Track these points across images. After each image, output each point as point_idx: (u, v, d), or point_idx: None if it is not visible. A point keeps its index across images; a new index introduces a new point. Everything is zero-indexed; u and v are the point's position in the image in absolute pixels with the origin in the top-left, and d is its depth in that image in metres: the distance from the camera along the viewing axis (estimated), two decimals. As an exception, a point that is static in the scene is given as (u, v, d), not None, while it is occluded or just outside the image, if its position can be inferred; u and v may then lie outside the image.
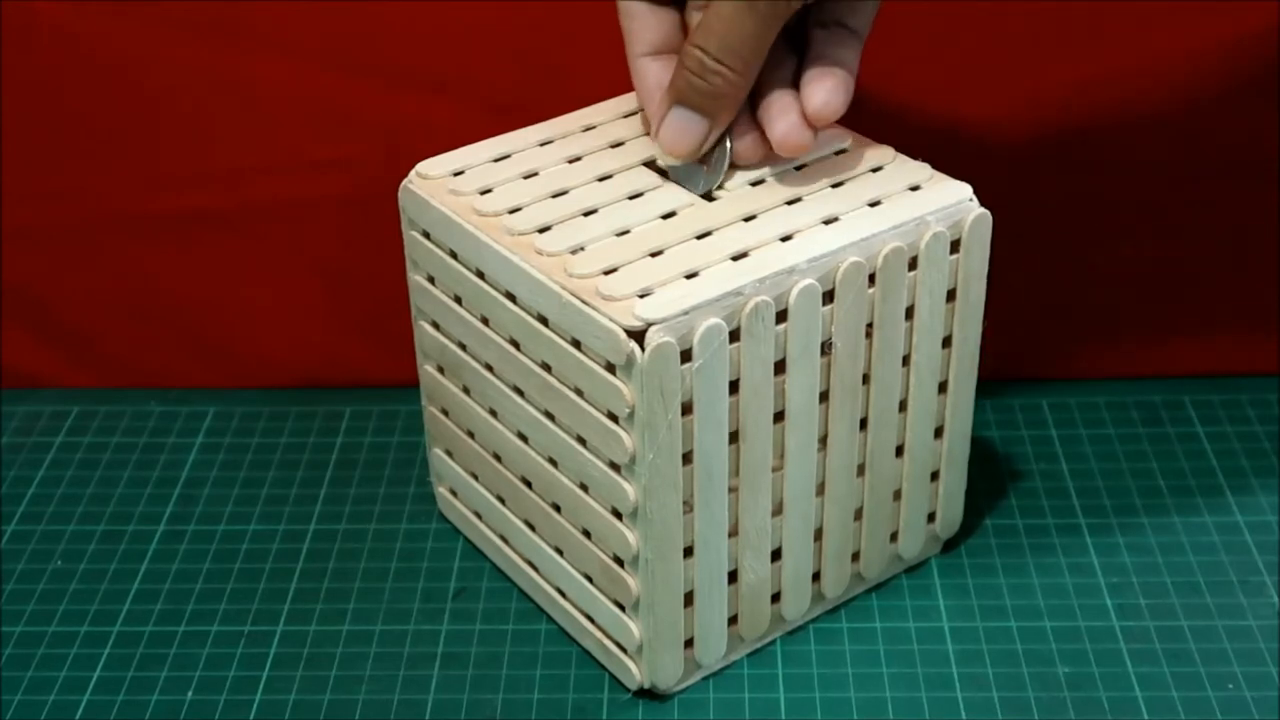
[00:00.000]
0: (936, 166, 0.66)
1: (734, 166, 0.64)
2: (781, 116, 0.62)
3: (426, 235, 0.66)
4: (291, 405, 0.82)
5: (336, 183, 0.78)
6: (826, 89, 0.62)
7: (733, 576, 0.64)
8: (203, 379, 0.83)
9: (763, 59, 0.61)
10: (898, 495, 0.68)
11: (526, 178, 0.65)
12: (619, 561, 0.62)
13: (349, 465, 0.78)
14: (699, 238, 0.61)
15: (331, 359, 0.83)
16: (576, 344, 0.60)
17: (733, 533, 0.63)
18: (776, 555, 0.65)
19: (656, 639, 0.63)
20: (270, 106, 0.77)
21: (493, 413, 0.67)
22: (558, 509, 0.65)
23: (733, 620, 0.65)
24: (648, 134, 0.67)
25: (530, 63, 0.76)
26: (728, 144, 0.64)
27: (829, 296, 0.61)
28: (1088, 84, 0.75)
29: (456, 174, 0.66)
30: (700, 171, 0.64)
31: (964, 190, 0.64)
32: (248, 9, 0.75)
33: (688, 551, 0.62)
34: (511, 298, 0.62)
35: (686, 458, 0.60)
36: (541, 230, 0.62)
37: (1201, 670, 0.66)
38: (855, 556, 0.68)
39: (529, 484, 0.67)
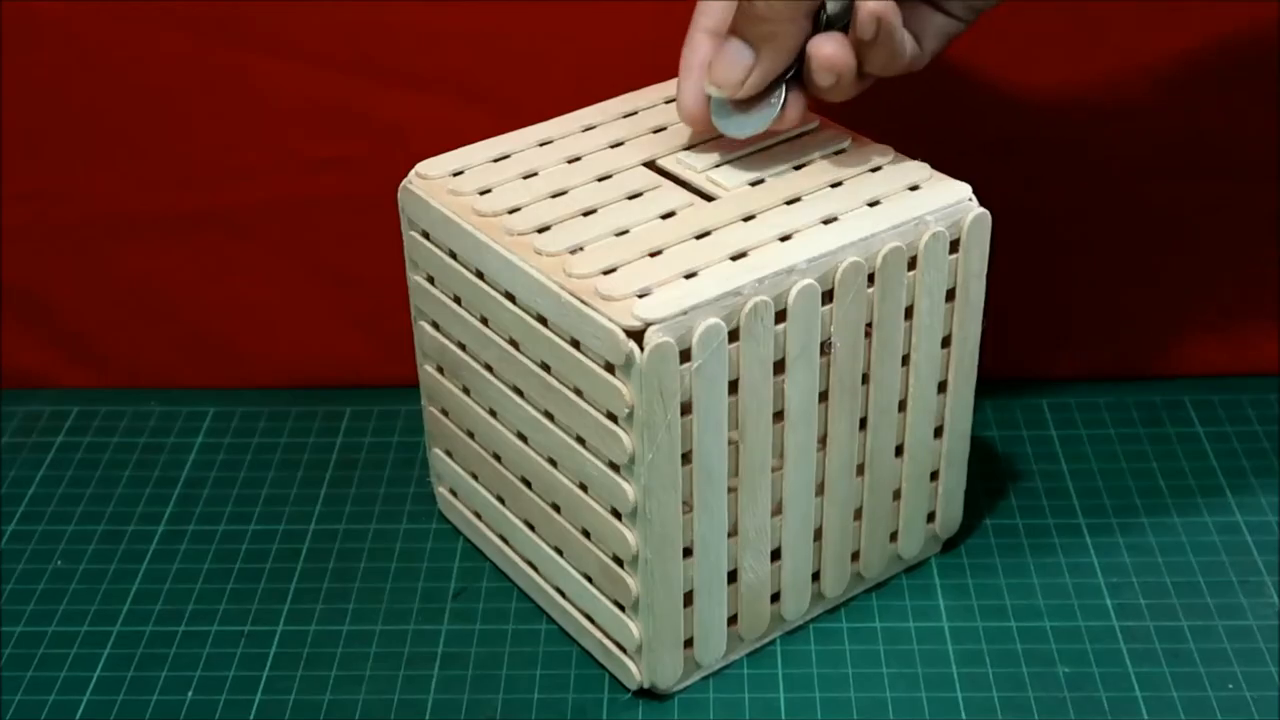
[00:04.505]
0: (936, 166, 0.66)
1: (775, 131, 0.64)
2: (829, 40, 0.61)
3: (426, 235, 0.66)
4: (291, 405, 0.82)
5: (336, 183, 0.78)
6: (834, 43, 0.61)
7: (732, 576, 0.64)
8: (203, 379, 0.83)
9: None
10: (897, 495, 0.68)
11: (526, 178, 0.65)
12: (619, 561, 0.62)
13: (349, 465, 0.78)
14: (698, 237, 0.61)
15: (331, 359, 0.83)
16: (575, 344, 0.60)
17: (732, 533, 0.63)
18: (776, 555, 0.65)
19: (656, 639, 0.63)
20: (270, 106, 0.77)
21: (492, 413, 0.67)
22: (557, 509, 0.65)
23: (732, 620, 0.65)
24: (653, 134, 0.67)
25: (530, 63, 0.76)
26: (777, 99, 0.63)
27: (828, 296, 0.61)
28: (1088, 84, 0.75)
29: (456, 174, 0.66)
30: (741, 117, 0.64)
31: (963, 190, 0.64)
32: (247, 9, 0.75)
33: (687, 551, 0.62)
34: (511, 298, 0.62)
35: (685, 458, 0.60)
36: (541, 230, 0.62)
37: (1201, 670, 0.66)
38: (855, 556, 0.68)
39: (529, 484, 0.67)
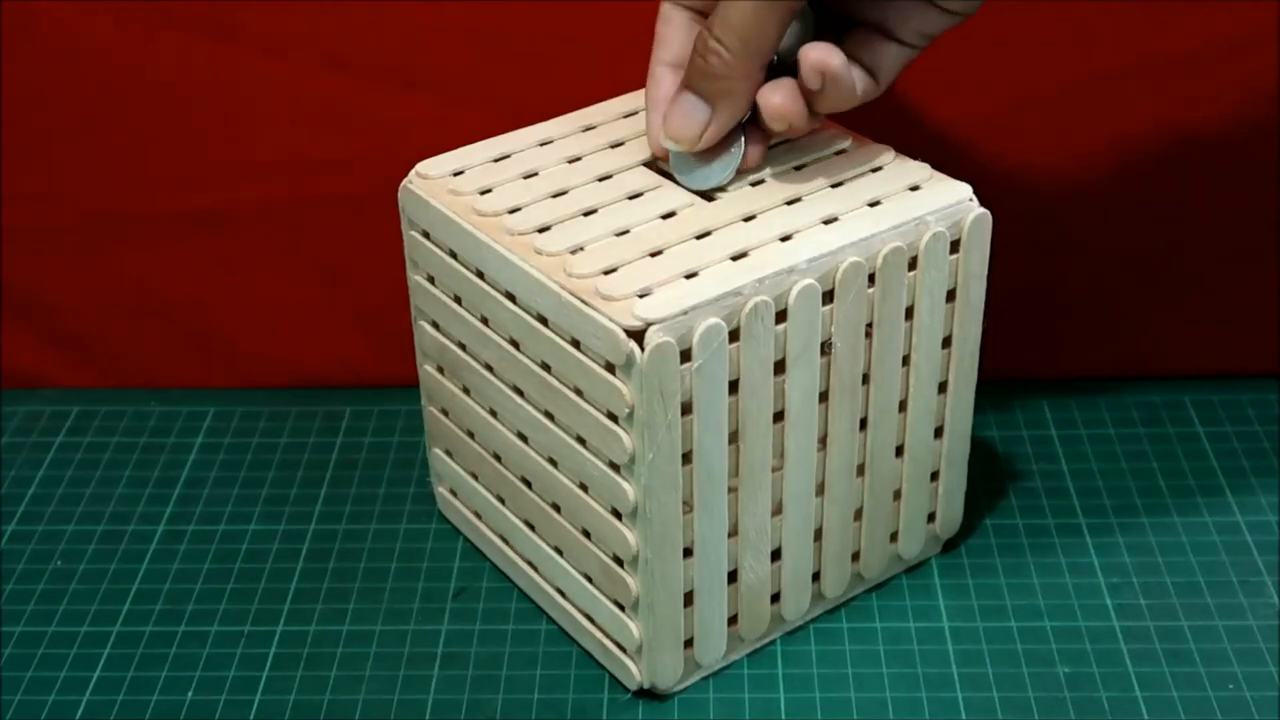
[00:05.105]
0: (936, 166, 0.66)
1: (741, 172, 0.64)
2: (777, 91, 0.62)
3: (426, 235, 0.66)
4: (291, 405, 0.82)
5: (336, 183, 0.78)
6: (783, 92, 0.62)
7: (732, 576, 0.64)
8: (203, 379, 0.83)
9: (765, 46, 0.61)
10: (897, 495, 0.68)
11: (526, 178, 0.65)
12: (619, 561, 0.62)
13: (349, 465, 0.78)
14: (698, 238, 0.61)
15: (331, 359, 0.83)
16: (576, 344, 0.60)
17: (732, 533, 0.63)
18: (776, 555, 0.65)
19: (656, 639, 0.63)
20: (270, 106, 0.77)
21: (493, 413, 0.67)
22: (558, 509, 0.65)
23: (732, 620, 0.65)
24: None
25: (530, 63, 0.75)
26: (738, 148, 0.64)
27: (829, 296, 0.61)
28: (1087, 84, 0.75)
29: (456, 174, 0.66)
30: (704, 168, 0.64)
31: (964, 190, 0.64)
32: (247, 9, 0.75)
33: (687, 551, 0.62)
34: (511, 297, 0.62)
35: (686, 458, 0.60)
36: (541, 230, 0.62)
37: (1201, 670, 0.66)
38: (855, 556, 0.68)
39: (529, 484, 0.67)
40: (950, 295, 0.65)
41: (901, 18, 0.63)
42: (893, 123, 0.70)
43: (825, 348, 0.62)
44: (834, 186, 0.64)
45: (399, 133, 0.76)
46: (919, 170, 0.65)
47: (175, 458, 0.79)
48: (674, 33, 0.65)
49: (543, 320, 0.61)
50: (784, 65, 0.62)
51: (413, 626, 0.69)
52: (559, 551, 0.66)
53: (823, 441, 0.64)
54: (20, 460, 0.79)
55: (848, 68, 0.61)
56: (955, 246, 0.64)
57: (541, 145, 0.68)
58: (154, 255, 0.81)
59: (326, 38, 0.75)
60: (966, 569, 0.71)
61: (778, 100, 0.62)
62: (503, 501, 0.69)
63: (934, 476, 0.69)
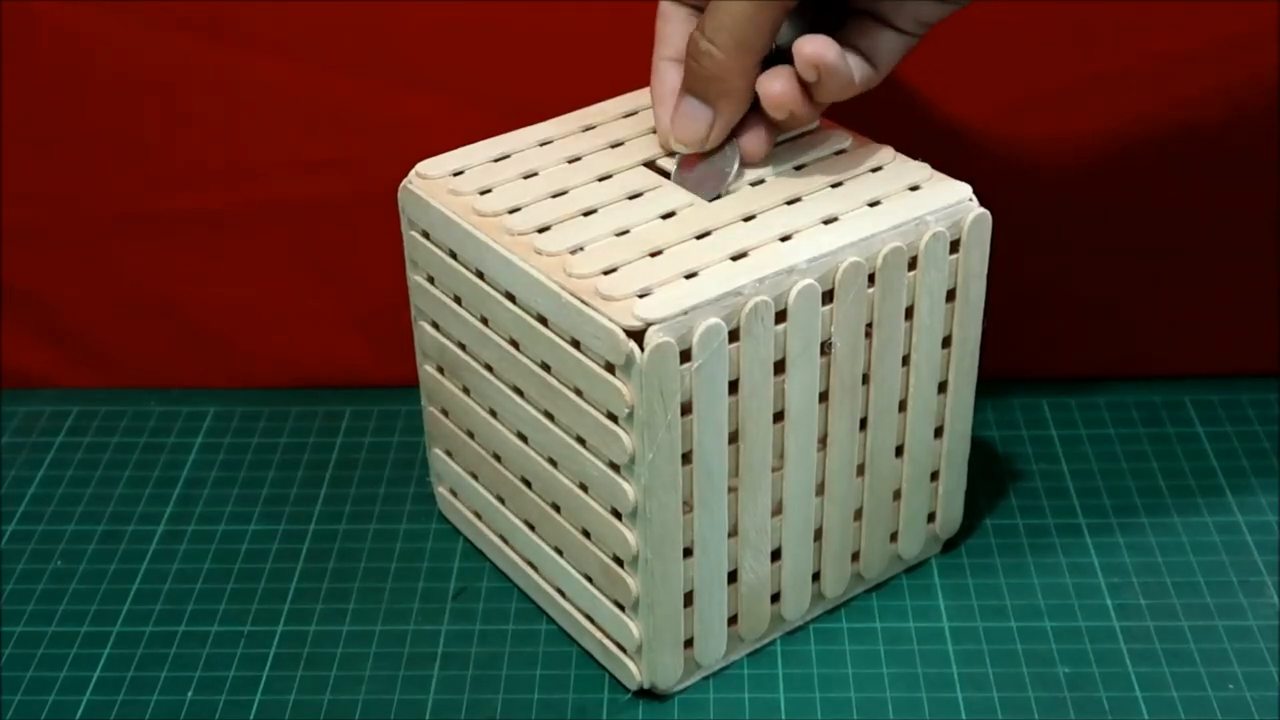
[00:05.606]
0: (936, 166, 0.66)
1: (746, 164, 0.64)
2: (776, 79, 0.62)
3: (426, 235, 0.66)
4: (291, 405, 0.82)
5: (336, 183, 0.78)
6: (783, 81, 0.62)
7: (732, 576, 0.64)
8: (203, 379, 0.83)
9: (758, 45, 0.61)
10: (897, 495, 0.68)
11: (526, 178, 0.66)
12: (619, 561, 0.62)
13: (349, 465, 0.78)
14: (698, 238, 0.61)
15: (331, 359, 0.83)
16: (576, 344, 0.60)
17: (732, 533, 0.63)
18: (776, 555, 0.65)
19: (656, 639, 0.63)
20: (270, 106, 0.77)
21: (493, 413, 0.67)
22: (557, 509, 0.65)
23: (732, 620, 0.65)
24: (653, 134, 0.68)
25: (530, 63, 0.76)
26: (735, 153, 0.64)
27: (828, 296, 0.61)
28: (1087, 84, 0.75)
29: (456, 174, 0.66)
30: (706, 176, 0.64)
31: (964, 190, 0.64)
32: (248, 9, 0.75)
33: (687, 551, 0.62)
34: (511, 298, 0.62)
35: (686, 458, 0.60)
36: (541, 230, 0.62)
37: (1201, 670, 0.66)
38: (855, 556, 0.68)
39: (529, 484, 0.67)
40: (950, 295, 0.65)
41: (898, 5, 0.63)
42: (893, 123, 0.70)
43: (825, 348, 0.62)
44: (834, 186, 0.64)
45: (399, 133, 0.76)
46: (919, 170, 0.65)
47: (175, 458, 0.79)
48: (674, 29, 0.65)
49: (543, 320, 0.61)
50: (783, 54, 0.62)
51: (413, 626, 0.69)
52: (559, 551, 0.66)
53: (823, 441, 0.64)
54: (20, 460, 0.79)
55: (844, 58, 0.61)
56: (955, 246, 0.64)
57: (541, 145, 0.68)
58: (154, 255, 0.81)
59: (327, 38, 0.75)
60: (966, 569, 0.71)
61: (777, 89, 0.62)
62: (503, 501, 0.69)
63: (934, 476, 0.69)
